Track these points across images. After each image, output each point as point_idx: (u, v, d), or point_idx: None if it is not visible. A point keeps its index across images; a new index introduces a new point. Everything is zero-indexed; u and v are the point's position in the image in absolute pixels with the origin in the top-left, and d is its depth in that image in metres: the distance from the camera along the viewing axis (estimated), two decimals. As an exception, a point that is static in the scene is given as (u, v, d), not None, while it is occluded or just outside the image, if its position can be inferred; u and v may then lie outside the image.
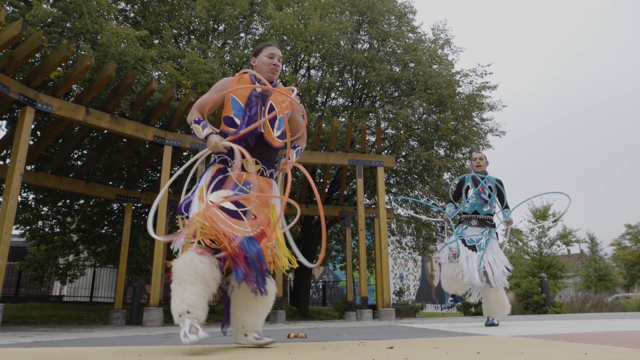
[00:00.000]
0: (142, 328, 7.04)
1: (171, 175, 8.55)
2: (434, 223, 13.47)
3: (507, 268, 4.82)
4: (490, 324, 4.73)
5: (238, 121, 2.52)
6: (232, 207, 2.33)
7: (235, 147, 2.37)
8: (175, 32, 11.25)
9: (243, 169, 2.47)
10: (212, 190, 2.38)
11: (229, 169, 2.46)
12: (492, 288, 4.76)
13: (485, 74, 13.18)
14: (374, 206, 12.51)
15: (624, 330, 3.50)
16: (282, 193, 2.73)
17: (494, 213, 5.03)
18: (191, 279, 2.15)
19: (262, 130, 2.53)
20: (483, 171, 5.15)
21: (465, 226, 4.99)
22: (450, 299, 5.23)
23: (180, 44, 11.50)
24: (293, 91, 2.69)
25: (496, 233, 5.05)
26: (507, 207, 5.03)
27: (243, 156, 2.35)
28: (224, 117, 2.57)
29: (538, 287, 12.28)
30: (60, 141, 10.08)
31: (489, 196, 4.99)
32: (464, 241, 4.90)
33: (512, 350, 2.10)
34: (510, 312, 4.96)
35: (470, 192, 5.07)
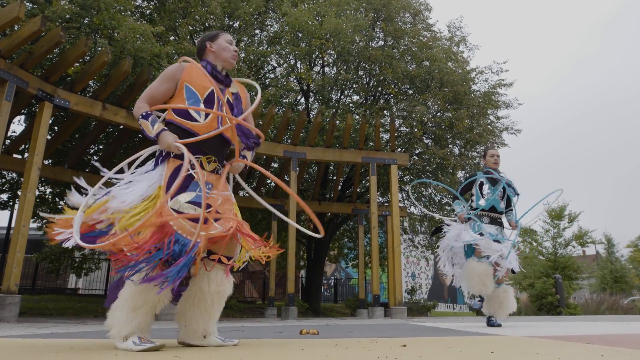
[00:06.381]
0: (155, 322, 7.11)
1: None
2: (447, 222, 13.38)
3: (514, 270, 4.73)
4: (494, 324, 4.68)
5: (196, 116, 2.34)
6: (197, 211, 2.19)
7: (187, 154, 2.21)
8: (191, 28, 11.31)
9: (202, 167, 2.35)
10: (174, 194, 2.20)
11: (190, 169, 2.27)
12: (501, 288, 4.70)
13: (501, 71, 13.06)
14: (386, 204, 12.47)
15: (641, 333, 3.45)
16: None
17: (504, 212, 4.96)
18: (140, 307, 2.10)
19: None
20: (497, 169, 5.10)
21: (478, 223, 4.84)
22: (479, 298, 5.07)
23: (196, 41, 11.56)
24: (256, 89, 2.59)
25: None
26: (511, 210, 4.96)
27: (192, 165, 2.25)
28: (176, 109, 2.36)
29: (552, 288, 12.15)
30: (77, 136, 10.20)
31: (503, 193, 4.93)
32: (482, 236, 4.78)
33: (526, 351, 2.09)
34: (524, 313, 4.91)
35: (486, 188, 4.97)
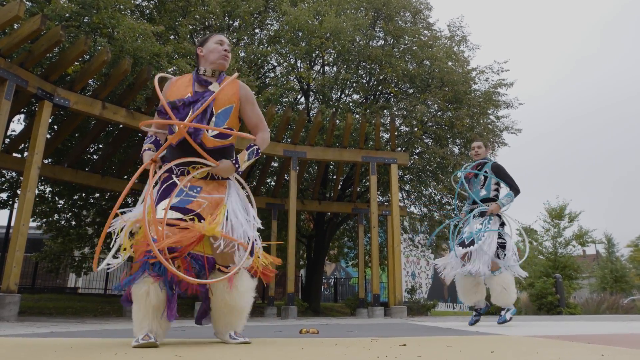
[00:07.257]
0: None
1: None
2: (447, 222, 13.37)
3: (499, 255, 4.66)
4: (500, 320, 4.67)
5: (174, 127, 2.36)
6: (175, 215, 2.22)
7: (150, 168, 2.33)
8: (191, 27, 11.29)
9: (189, 173, 2.36)
10: (157, 202, 2.28)
11: (173, 176, 2.35)
12: (495, 275, 4.71)
13: (502, 71, 13.04)
14: (386, 203, 12.46)
15: (641, 333, 3.44)
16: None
17: (495, 197, 4.89)
18: (146, 311, 2.20)
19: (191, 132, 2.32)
20: (482, 158, 5.09)
21: (466, 222, 4.89)
22: (474, 313, 5.05)
23: (196, 40, 11.54)
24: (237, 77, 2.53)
25: (501, 220, 4.87)
26: (516, 190, 4.85)
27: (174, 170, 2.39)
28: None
29: (552, 287, 12.14)
30: (76, 135, 10.19)
31: (484, 180, 4.92)
32: (462, 243, 4.78)
33: (526, 350, 2.08)
34: (524, 312, 4.90)
35: (467, 184, 5.02)
